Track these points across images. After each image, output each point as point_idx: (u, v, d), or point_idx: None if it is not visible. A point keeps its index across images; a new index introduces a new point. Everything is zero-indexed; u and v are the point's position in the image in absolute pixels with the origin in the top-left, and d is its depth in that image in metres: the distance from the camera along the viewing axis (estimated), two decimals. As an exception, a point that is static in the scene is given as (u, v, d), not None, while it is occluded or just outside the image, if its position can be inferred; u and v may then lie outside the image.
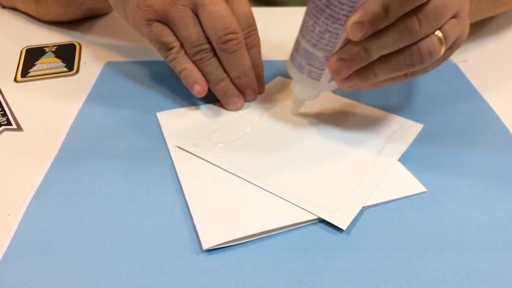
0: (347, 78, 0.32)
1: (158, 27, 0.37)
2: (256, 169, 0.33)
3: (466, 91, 0.43)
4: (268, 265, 0.27)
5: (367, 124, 0.38)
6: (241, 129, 0.37)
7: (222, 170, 0.33)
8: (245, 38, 0.38)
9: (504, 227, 0.29)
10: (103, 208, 0.31)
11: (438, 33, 0.30)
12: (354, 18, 0.28)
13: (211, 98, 0.40)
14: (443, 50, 0.31)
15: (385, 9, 0.28)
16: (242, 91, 0.39)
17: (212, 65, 0.37)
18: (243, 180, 0.32)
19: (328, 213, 0.30)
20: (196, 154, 0.34)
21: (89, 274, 0.26)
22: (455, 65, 0.47)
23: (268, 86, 0.42)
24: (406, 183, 0.32)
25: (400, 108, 0.40)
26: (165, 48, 0.37)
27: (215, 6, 0.36)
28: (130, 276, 0.26)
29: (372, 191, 0.31)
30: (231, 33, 0.36)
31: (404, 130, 0.37)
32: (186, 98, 0.41)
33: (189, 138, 0.36)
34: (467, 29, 0.33)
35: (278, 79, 0.44)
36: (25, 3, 0.53)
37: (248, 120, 0.38)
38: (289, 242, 0.28)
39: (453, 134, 0.37)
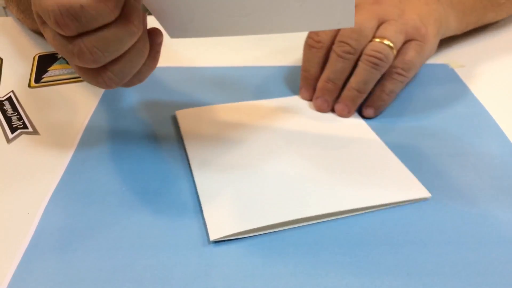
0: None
1: None
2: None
3: (463, 95, 0.44)
4: (276, 259, 0.29)
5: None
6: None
7: (233, 163, 0.35)
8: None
9: (499, 223, 0.31)
10: (119, 206, 0.32)
11: (376, 39, 0.38)
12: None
13: (227, 98, 0.41)
14: (389, 49, 0.38)
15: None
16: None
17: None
18: (255, 175, 0.34)
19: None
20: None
21: (108, 268, 0.28)
22: (452, 70, 0.48)
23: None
24: (411, 188, 0.33)
25: (397, 112, 0.42)
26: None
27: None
28: (146, 269, 0.28)
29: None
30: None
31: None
32: (203, 101, 0.42)
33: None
34: (417, 24, 0.40)
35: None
36: (27, 24, 0.55)
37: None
38: (296, 237, 0.30)
39: (450, 136, 0.39)
